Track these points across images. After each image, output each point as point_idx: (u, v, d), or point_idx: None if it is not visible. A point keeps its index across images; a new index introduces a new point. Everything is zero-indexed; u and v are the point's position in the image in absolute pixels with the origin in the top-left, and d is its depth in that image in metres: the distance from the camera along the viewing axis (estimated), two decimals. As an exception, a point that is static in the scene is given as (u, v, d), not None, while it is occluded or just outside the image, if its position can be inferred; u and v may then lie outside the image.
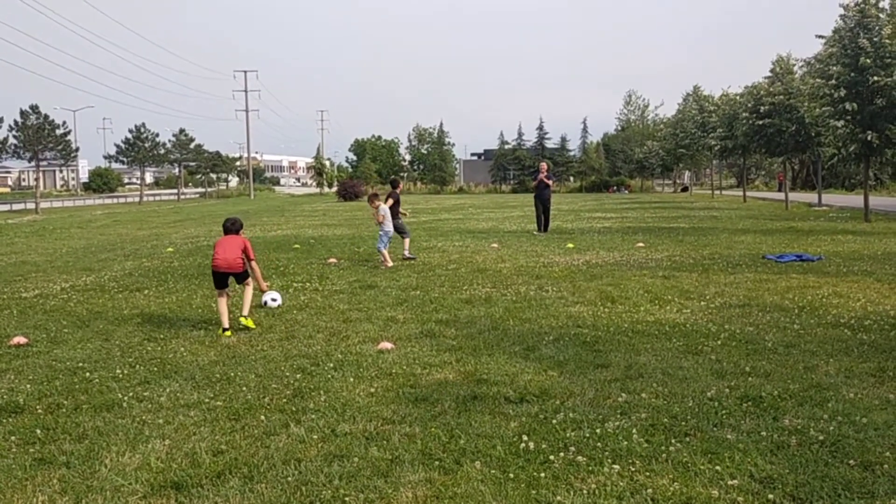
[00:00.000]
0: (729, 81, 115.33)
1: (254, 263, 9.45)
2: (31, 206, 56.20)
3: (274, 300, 10.35)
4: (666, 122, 68.88)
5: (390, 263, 14.65)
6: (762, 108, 31.62)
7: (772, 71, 33.11)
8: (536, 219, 23.16)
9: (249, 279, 9.35)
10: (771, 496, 4.03)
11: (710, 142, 42.30)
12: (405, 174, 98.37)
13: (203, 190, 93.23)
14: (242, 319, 8.92)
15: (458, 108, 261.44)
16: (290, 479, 4.48)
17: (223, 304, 9.01)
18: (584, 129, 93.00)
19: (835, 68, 23.26)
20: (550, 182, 22.92)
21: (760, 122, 31.86)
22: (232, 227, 9.52)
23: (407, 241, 16.20)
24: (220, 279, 9.12)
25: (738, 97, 38.54)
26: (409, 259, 15.59)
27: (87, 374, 7.02)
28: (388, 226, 15.13)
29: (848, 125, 23.53)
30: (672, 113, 67.06)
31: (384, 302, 10.58)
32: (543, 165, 23.47)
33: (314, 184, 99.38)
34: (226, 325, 8.84)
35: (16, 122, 55.12)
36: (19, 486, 4.53)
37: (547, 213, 22.81)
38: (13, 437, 5.38)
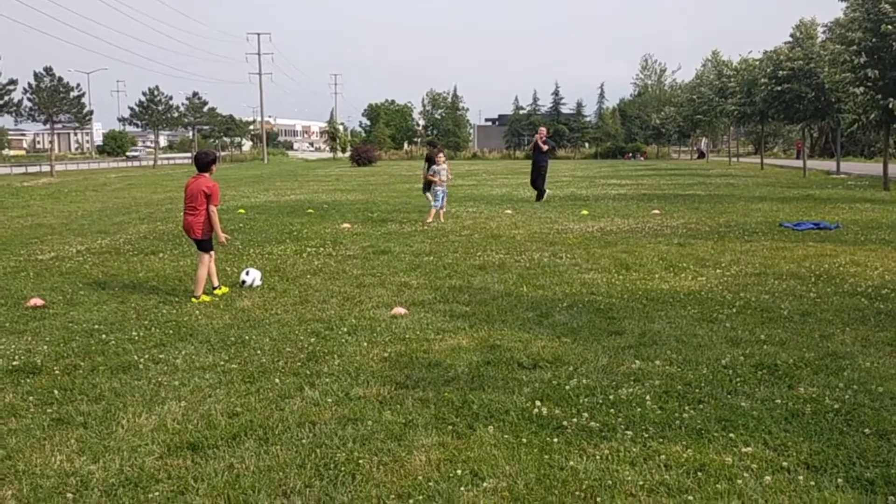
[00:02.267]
0: (749, 46, 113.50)
1: (212, 208, 8.92)
2: (45, 168, 56.42)
3: (254, 280, 9.38)
4: (683, 87, 68.02)
5: (430, 220, 15.85)
6: (781, 72, 31.13)
7: (792, 36, 32.54)
8: (532, 185, 21.97)
9: (209, 253, 8.91)
10: (785, 463, 4.03)
11: (729, 107, 41.74)
12: (419, 139, 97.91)
13: (217, 154, 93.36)
14: (195, 300, 8.58)
15: (472, 74, 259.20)
16: (304, 441, 4.51)
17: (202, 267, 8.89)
18: (601, 95, 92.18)
19: (856, 34, 22.80)
20: (546, 147, 21.15)
21: (779, 88, 31.40)
22: (196, 161, 9.15)
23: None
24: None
25: (757, 62, 37.93)
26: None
27: (104, 336, 7.08)
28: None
29: (868, 92, 23.13)
30: (690, 78, 66.25)
31: (397, 267, 10.58)
32: (542, 129, 22.39)
33: (328, 148, 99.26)
34: (215, 282, 8.97)
35: (30, 85, 55.01)
36: (38, 445, 4.59)
37: (540, 179, 21.36)
38: (31, 398, 5.44)
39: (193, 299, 8.65)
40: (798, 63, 30.66)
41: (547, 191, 21.97)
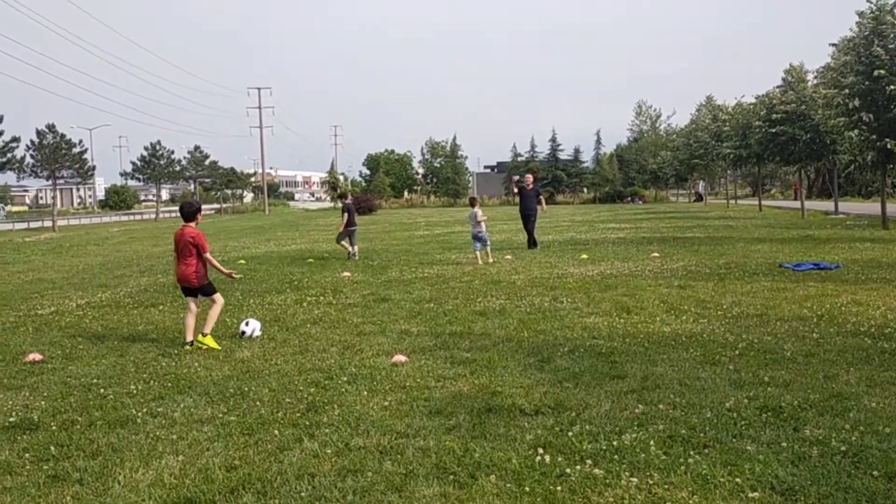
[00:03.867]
0: (741, 91, 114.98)
1: (207, 255, 9.11)
2: (48, 223, 56.65)
3: (254, 330, 9.26)
4: (679, 131, 68.66)
5: (480, 262, 16.97)
6: (775, 115, 31.44)
7: (783, 80, 32.95)
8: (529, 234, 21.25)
9: (216, 295, 9.14)
10: (793, 508, 3.95)
11: (724, 150, 42.11)
12: (418, 188, 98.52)
13: (218, 206, 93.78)
14: (201, 338, 8.70)
15: (471, 122, 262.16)
16: (303, 493, 4.44)
17: (189, 316, 8.98)
18: (598, 141, 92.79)
19: (849, 78, 23.05)
20: (532, 190, 21.09)
21: (773, 131, 31.66)
22: (182, 212, 9.19)
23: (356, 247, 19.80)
24: (185, 290, 9.14)
25: (751, 106, 38.39)
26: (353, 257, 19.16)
27: (102, 390, 7.02)
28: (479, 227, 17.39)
29: (863, 133, 23.31)
30: (684, 123, 66.94)
31: (398, 315, 10.55)
32: (528, 177, 22.14)
33: (328, 198, 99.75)
34: (188, 338, 8.88)
35: (32, 142, 55.62)
36: (33, 503, 4.51)
37: (530, 225, 21.04)
38: (27, 455, 5.38)
39: (200, 336, 8.74)
40: (791, 106, 30.98)
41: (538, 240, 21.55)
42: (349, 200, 21.01)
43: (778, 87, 33.14)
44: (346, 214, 19.90)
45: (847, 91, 22.99)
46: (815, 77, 30.95)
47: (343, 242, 20.27)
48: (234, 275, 10.10)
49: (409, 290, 13.05)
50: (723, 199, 67.92)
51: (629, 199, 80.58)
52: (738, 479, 4.33)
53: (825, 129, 29.36)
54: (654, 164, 73.91)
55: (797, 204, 40.35)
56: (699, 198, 76.94)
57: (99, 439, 5.62)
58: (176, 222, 21.64)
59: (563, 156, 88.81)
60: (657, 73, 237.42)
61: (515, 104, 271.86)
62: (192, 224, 9.13)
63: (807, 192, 51.79)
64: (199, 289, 9.10)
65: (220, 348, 8.68)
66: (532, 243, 20.99)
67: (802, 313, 9.48)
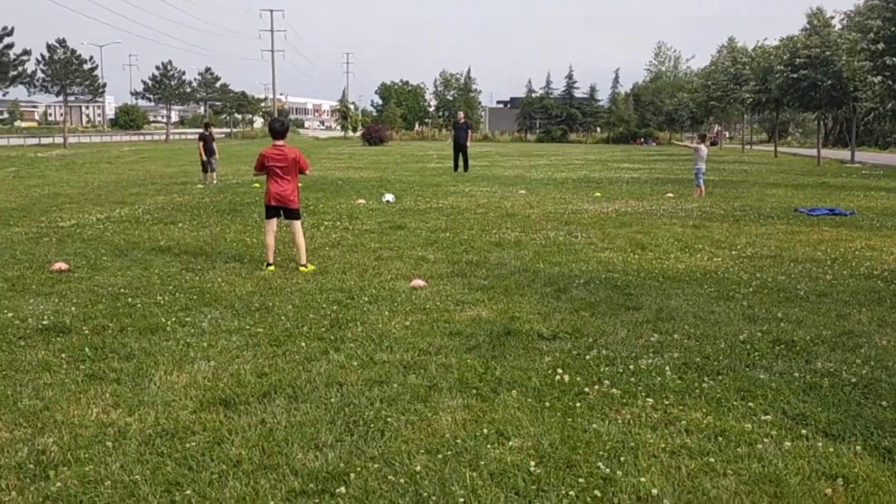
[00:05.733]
0: (764, 34, 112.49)
1: (309, 173, 9.11)
2: (59, 140, 56.64)
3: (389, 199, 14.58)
4: (698, 73, 67.57)
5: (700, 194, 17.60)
6: (798, 60, 30.93)
7: (809, 23, 32.30)
8: (454, 160, 26.45)
9: (299, 220, 8.98)
10: (804, 431, 4.13)
11: (744, 95, 41.52)
12: (430, 120, 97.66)
13: (228, 130, 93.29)
14: (303, 269, 8.64)
15: (486, 56, 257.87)
16: (332, 400, 4.64)
17: (271, 237, 8.90)
18: (616, 80, 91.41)
19: (876, 22, 22.65)
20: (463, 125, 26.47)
21: (795, 76, 31.21)
22: (281, 128, 9.00)
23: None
24: (272, 210, 8.93)
25: (773, 49, 37.69)
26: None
27: (129, 299, 7.21)
28: (699, 163, 17.95)
29: (886, 81, 23.01)
30: (704, 65, 65.77)
31: (414, 242, 10.68)
32: (460, 113, 28.28)
33: (338, 127, 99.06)
34: (270, 259, 8.86)
35: (43, 56, 55.15)
36: (73, 398, 4.72)
37: (465, 154, 25.98)
38: (63, 355, 5.58)
39: (302, 268, 8.64)
40: (815, 51, 30.46)
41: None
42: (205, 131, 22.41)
43: (802, 30, 32.52)
44: (202, 143, 21.34)
45: (872, 35, 22.62)
46: (842, 21, 30.35)
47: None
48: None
49: (424, 219, 13.16)
50: (738, 145, 67.29)
51: (642, 140, 79.85)
52: (750, 404, 4.51)
53: (847, 76, 28.94)
54: (671, 105, 72.96)
55: (813, 152, 40.03)
56: (714, 142, 76.19)
57: (131, 344, 5.82)
58: (185, 144, 21.63)
59: (578, 94, 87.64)
60: (680, 16, 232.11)
61: (533, 40, 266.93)
62: (283, 142, 8.92)
63: (823, 140, 51.24)
64: (294, 210, 8.91)
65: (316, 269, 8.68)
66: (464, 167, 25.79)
67: (816, 256, 9.58)
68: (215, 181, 20.86)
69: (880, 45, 22.41)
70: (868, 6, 23.59)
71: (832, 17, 31.52)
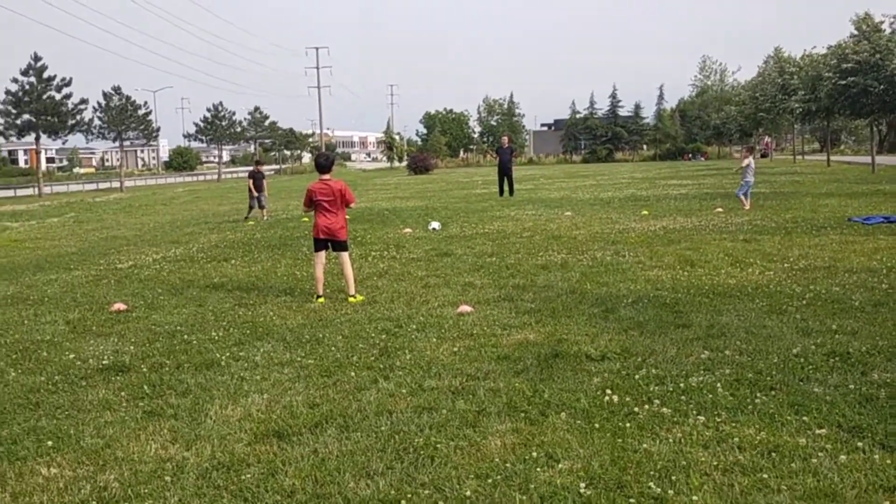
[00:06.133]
0: (812, 42, 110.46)
1: (354, 205, 9.31)
2: (115, 184, 58.48)
3: (435, 227, 15.34)
4: (745, 85, 66.66)
5: (748, 207, 17.41)
6: (846, 65, 30.33)
7: (857, 29, 31.70)
8: (499, 185, 26.47)
9: (347, 252, 9.12)
10: (860, 444, 4.04)
11: (792, 105, 40.82)
12: (474, 147, 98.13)
13: (278, 166, 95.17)
14: (352, 300, 8.77)
15: (528, 79, 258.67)
16: (383, 428, 4.70)
17: (320, 269, 9.05)
18: (661, 96, 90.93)
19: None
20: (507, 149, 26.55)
21: (844, 82, 30.60)
22: (326, 162, 9.16)
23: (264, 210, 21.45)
24: (320, 243, 9.09)
25: (821, 57, 37.05)
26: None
27: (185, 336, 7.42)
28: (748, 176, 17.96)
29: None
30: (751, 77, 64.92)
31: (461, 268, 10.75)
32: (504, 138, 27.96)
33: (384, 158, 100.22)
34: (320, 291, 9.01)
35: (99, 104, 57.23)
36: (133, 435, 4.88)
37: (510, 179, 26.11)
38: (122, 393, 5.77)
39: (350, 299, 8.79)
40: (864, 55, 29.85)
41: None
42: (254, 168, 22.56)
43: (851, 36, 31.93)
44: (251, 181, 21.53)
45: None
46: (891, 24, 29.75)
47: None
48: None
49: (471, 245, 13.23)
50: (789, 155, 66.01)
51: (691, 155, 78.89)
52: (805, 418, 4.43)
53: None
54: (718, 119, 72.05)
55: (867, 159, 39.07)
56: (764, 154, 74.89)
57: (188, 380, 5.98)
58: (237, 182, 22.24)
59: (622, 112, 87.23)
60: (724, 29, 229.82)
61: (575, 61, 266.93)
62: (329, 176, 9.10)
63: (878, 146, 49.96)
64: (341, 242, 9.10)
65: (363, 299, 8.83)
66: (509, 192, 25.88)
67: (872, 265, 9.36)
68: (265, 217, 21.26)
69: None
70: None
71: (881, 22, 30.91)
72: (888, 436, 4.13)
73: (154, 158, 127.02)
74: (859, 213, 15.16)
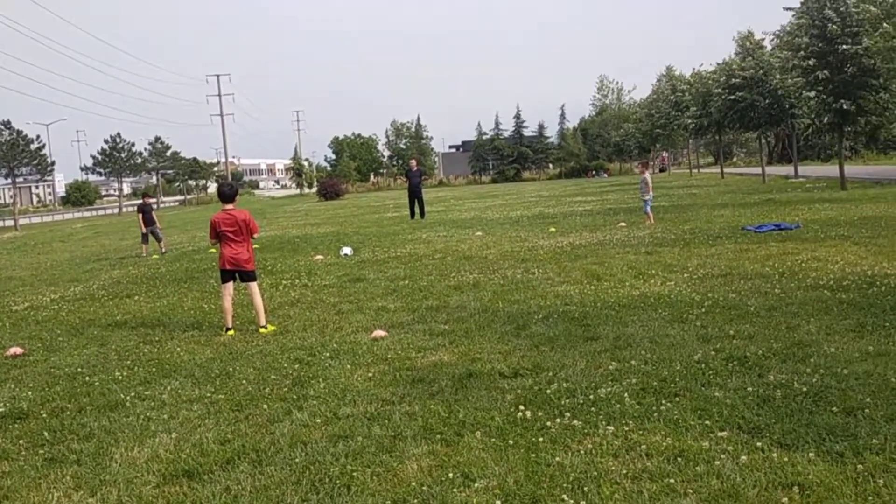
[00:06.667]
0: (698, 61, 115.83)
1: (256, 236, 9.27)
2: (9, 223, 55.73)
3: (347, 252, 15.11)
4: (641, 104, 69.31)
5: (652, 221, 17.84)
6: (734, 80, 31.95)
7: (741, 47, 33.49)
8: (410, 207, 27.19)
9: (255, 282, 8.98)
10: (759, 444, 4.23)
11: (686, 120, 42.68)
12: (384, 171, 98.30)
13: (182, 197, 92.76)
14: (263, 331, 8.61)
15: (434, 102, 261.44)
16: (297, 460, 4.63)
17: (228, 301, 8.86)
18: (562, 116, 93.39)
19: (804, 39, 23.59)
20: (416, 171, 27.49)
21: (733, 97, 32.21)
22: (230, 191, 9.06)
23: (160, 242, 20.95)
24: (227, 274, 8.92)
25: (710, 74, 38.93)
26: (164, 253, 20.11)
27: (87, 378, 7.12)
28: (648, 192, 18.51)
29: (820, 95, 23.89)
30: (646, 95, 67.53)
31: (374, 293, 10.72)
32: (413, 161, 29.10)
33: (294, 185, 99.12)
34: (229, 323, 8.82)
35: (-12, 140, 54.63)
36: (33, 484, 4.65)
37: (420, 201, 26.84)
38: (21, 441, 5.49)
39: (262, 330, 8.60)
40: (749, 72, 31.53)
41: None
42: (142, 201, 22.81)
43: (736, 53, 33.69)
44: (141, 214, 21.29)
45: (802, 53, 23.53)
46: (771, 41, 31.53)
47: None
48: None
49: (383, 269, 13.22)
50: (686, 169, 68.82)
51: (594, 172, 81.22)
52: (707, 422, 4.61)
53: (783, 94, 29.98)
54: (618, 136, 74.57)
55: (758, 170, 41.12)
56: (662, 169, 77.80)
57: (91, 423, 5.74)
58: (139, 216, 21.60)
59: (527, 132, 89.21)
60: (619, 48, 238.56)
61: (480, 83, 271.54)
62: (232, 205, 8.95)
63: (767, 158, 52.64)
64: (249, 272, 8.92)
65: (276, 329, 8.69)
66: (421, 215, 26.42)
67: (765, 271, 9.84)
68: (163, 249, 20.72)
69: (811, 62, 23.32)
70: (796, 24, 24.54)
71: (762, 39, 32.75)
72: (785, 434, 4.35)
73: (50, 194, 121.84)
74: (752, 222, 15.92)
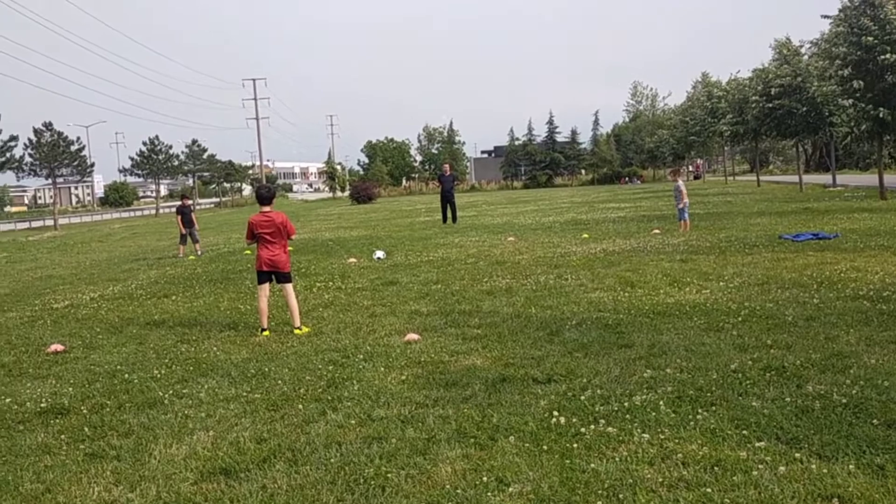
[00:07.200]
0: (734, 68, 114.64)
1: (294, 238, 9.39)
2: (49, 223, 56.82)
3: (380, 256, 15.37)
4: (675, 110, 68.74)
5: (687, 228, 17.82)
6: (772, 89, 31.55)
7: (778, 53, 33.06)
8: (442, 212, 27.04)
9: (290, 283, 9.05)
10: (798, 455, 4.19)
11: (721, 127, 42.22)
12: (416, 175, 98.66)
13: (218, 199, 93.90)
14: (297, 332, 8.71)
15: (467, 107, 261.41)
16: (332, 460, 4.67)
17: (264, 302, 8.96)
18: (596, 122, 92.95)
19: (841, 48, 23.23)
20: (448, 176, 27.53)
21: (770, 105, 31.80)
22: (268, 194, 9.19)
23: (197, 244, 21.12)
24: (264, 275, 9.02)
25: (747, 81, 38.48)
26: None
27: (126, 375, 7.25)
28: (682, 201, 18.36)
29: (857, 104, 23.49)
30: (680, 102, 66.99)
31: (407, 297, 10.77)
32: (446, 166, 29.04)
33: (327, 188, 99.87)
34: (265, 324, 8.92)
35: (30, 141, 55.73)
36: (75, 479, 4.75)
37: (452, 206, 26.82)
38: (62, 436, 5.61)
39: (296, 331, 8.71)
40: (787, 79, 31.11)
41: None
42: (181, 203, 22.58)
43: (773, 60, 33.26)
44: (180, 216, 21.41)
45: (839, 62, 23.17)
46: (810, 49, 31.08)
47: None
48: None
49: (416, 273, 13.27)
50: (721, 177, 68.07)
51: (627, 179, 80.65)
52: (744, 432, 4.57)
53: (821, 101, 29.53)
54: (651, 142, 74.00)
55: (796, 178, 40.55)
56: (697, 176, 77.04)
57: (130, 420, 5.86)
58: (176, 216, 21.93)
59: (560, 138, 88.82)
60: (652, 54, 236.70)
61: (513, 88, 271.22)
62: (269, 207, 9.07)
63: (804, 166, 51.92)
64: (285, 274, 9.04)
65: (309, 330, 8.78)
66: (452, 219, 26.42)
67: (803, 280, 9.70)
68: (199, 252, 20.97)
69: (848, 70, 22.95)
70: (833, 33, 24.18)
71: (800, 46, 32.28)
72: (824, 446, 4.29)
73: (89, 195, 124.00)
74: (789, 231, 15.71)
